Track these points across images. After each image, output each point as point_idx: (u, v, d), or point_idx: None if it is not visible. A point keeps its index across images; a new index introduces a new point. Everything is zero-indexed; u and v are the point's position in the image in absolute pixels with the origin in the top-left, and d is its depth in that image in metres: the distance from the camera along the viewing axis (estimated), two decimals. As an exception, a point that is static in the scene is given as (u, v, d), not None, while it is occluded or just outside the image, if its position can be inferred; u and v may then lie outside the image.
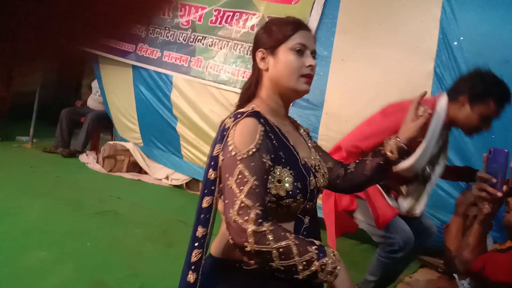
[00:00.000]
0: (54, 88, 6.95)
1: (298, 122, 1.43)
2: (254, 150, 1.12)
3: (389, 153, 1.36)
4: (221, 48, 4.00)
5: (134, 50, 4.57)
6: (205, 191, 1.19)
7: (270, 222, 1.08)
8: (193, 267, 1.19)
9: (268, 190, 1.14)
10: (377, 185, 2.17)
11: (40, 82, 5.57)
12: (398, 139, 1.36)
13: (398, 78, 3.15)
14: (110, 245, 2.90)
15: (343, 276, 1.11)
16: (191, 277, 1.19)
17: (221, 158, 1.16)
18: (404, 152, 1.37)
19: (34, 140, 5.48)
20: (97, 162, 4.94)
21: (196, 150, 4.34)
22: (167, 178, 4.62)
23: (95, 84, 5.51)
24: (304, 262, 1.05)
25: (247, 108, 1.23)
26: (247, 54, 3.83)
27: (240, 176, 1.09)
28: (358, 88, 3.34)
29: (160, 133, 4.63)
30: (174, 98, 4.33)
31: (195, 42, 4.17)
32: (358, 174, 1.42)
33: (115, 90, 4.93)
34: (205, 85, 4.06)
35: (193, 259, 1.19)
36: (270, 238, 1.05)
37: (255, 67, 1.29)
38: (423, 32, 3.04)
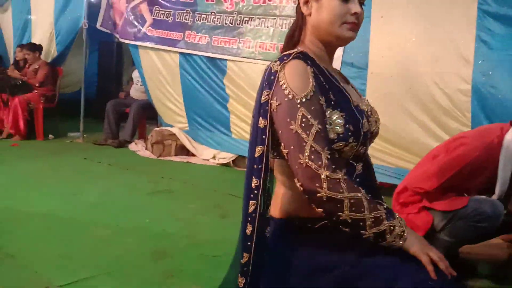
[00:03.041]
0: (97, 84, 7.17)
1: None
2: (311, 93, 1.07)
3: None
4: (267, 26, 4.05)
5: (183, 38, 4.65)
6: (257, 141, 1.12)
7: (343, 171, 1.06)
8: (249, 219, 1.15)
9: None
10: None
11: (83, 80, 5.75)
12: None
13: (439, 33, 3.07)
14: (167, 219, 2.98)
15: (414, 239, 1.06)
16: (248, 229, 1.15)
17: (276, 103, 1.09)
18: None
19: (85, 135, 5.68)
20: (146, 149, 5.06)
21: (248, 126, 4.36)
22: (214, 158, 4.68)
23: (135, 74, 5.62)
24: (373, 219, 1.03)
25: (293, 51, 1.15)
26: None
27: (304, 120, 1.05)
28: (400, 45, 3.26)
29: (208, 113, 4.69)
30: (228, 80, 4.38)
31: (241, 24, 4.22)
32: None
33: (158, 77, 5.01)
34: (257, 64, 4.08)
35: (250, 210, 1.15)
36: (344, 187, 1.03)
37: (298, 11, 1.22)
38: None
